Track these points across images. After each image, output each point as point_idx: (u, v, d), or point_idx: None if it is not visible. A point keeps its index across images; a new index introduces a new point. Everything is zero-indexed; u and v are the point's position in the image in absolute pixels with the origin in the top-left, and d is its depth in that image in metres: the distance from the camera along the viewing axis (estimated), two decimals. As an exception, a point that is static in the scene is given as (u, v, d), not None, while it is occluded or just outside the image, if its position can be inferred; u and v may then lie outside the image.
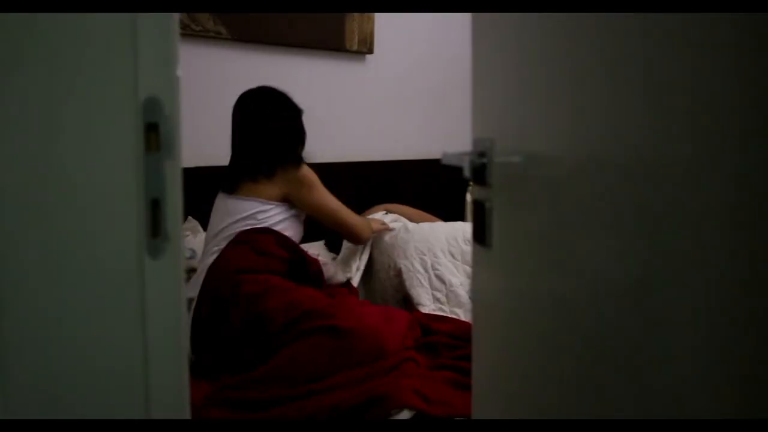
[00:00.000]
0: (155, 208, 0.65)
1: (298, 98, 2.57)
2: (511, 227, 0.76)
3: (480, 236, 0.80)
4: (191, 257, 2.09)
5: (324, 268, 2.07)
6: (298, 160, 2.00)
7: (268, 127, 2.00)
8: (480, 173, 0.78)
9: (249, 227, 1.90)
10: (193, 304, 1.80)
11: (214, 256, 1.86)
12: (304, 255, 1.97)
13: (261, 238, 1.88)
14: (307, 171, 2.00)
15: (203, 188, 2.27)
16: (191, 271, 2.03)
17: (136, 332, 0.66)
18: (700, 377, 0.48)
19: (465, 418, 1.40)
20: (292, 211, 2.01)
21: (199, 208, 2.27)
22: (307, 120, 2.62)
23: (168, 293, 0.68)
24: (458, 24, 2.84)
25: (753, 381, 0.44)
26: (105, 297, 0.65)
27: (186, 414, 0.71)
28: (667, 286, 0.51)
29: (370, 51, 2.69)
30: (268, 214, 1.93)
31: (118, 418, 0.66)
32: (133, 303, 0.66)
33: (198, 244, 2.14)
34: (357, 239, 2.17)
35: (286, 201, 1.98)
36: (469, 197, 2.56)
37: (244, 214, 1.92)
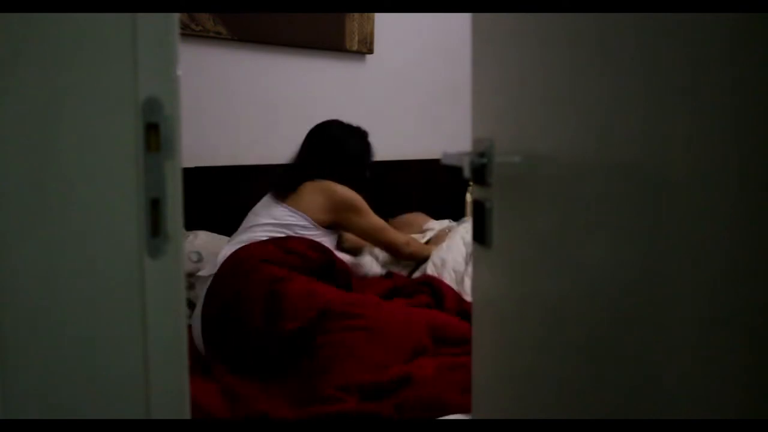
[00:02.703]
0: (155, 208, 0.65)
1: (299, 98, 2.58)
2: (511, 227, 0.76)
3: (480, 236, 0.80)
4: (198, 260, 2.08)
5: (358, 268, 2.11)
6: (349, 180, 2.08)
7: (345, 148, 2.12)
8: (480, 173, 0.78)
9: (284, 235, 1.90)
10: (203, 293, 1.78)
11: (237, 246, 1.85)
12: (334, 259, 1.94)
13: (292, 240, 1.89)
14: (354, 195, 2.05)
15: (203, 188, 2.27)
16: (191, 276, 2.01)
17: (136, 332, 0.66)
18: (700, 377, 0.48)
19: (465, 418, 1.39)
20: (332, 234, 2.05)
21: (199, 208, 2.27)
22: (307, 120, 2.62)
23: (168, 293, 0.68)
24: (458, 24, 2.84)
25: (753, 381, 0.44)
26: (105, 297, 0.65)
27: (186, 414, 0.71)
28: (667, 285, 0.51)
29: (370, 51, 2.69)
30: (308, 232, 1.95)
31: (118, 418, 0.66)
32: (133, 303, 0.66)
33: (202, 245, 2.13)
34: (399, 255, 2.22)
35: (333, 227, 2.03)
36: (469, 197, 2.57)
37: (284, 222, 1.93)
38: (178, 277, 0.68)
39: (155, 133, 0.65)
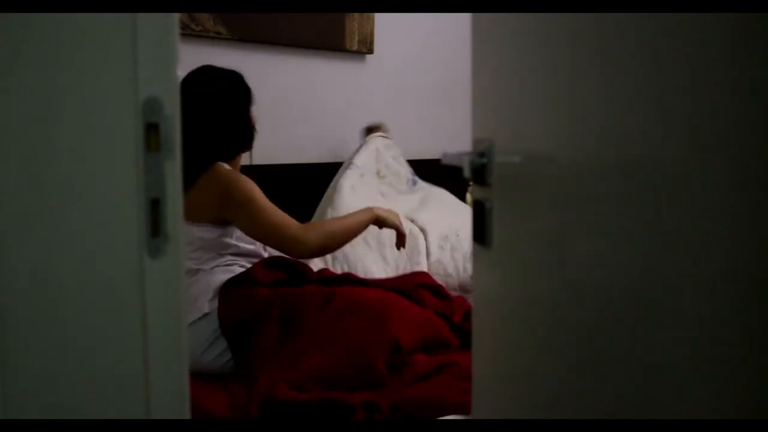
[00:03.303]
0: (155, 208, 0.65)
1: (299, 98, 2.58)
2: (511, 227, 0.76)
3: (480, 236, 0.80)
4: None
5: None
6: (224, 158, 1.70)
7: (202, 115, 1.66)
8: (480, 173, 0.78)
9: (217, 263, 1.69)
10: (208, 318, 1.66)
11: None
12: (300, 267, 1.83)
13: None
14: (242, 185, 1.65)
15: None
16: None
17: (136, 332, 0.66)
18: (700, 377, 0.48)
19: (465, 418, 1.40)
20: (231, 229, 1.71)
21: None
22: (307, 120, 2.62)
23: (168, 293, 0.68)
24: (458, 24, 2.84)
25: (753, 381, 0.44)
26: (105, 297, 0.65)
27: (186, 414, 0.71)
28: (667, 285, 0.51)
29: (370, 51, 2.69)
30: (223, 239, 1.68)
31: (118, 418, 0.67)
32: (133, 303, 0.66)
33: None
34: (299, 254, 1.72)
35: (224, 224, 1.69)
36: (469, 197, 2.56)
37: (200, 246, 1.68)
38: (178, 277, 0.68)
39: (155, 133, 0.65)
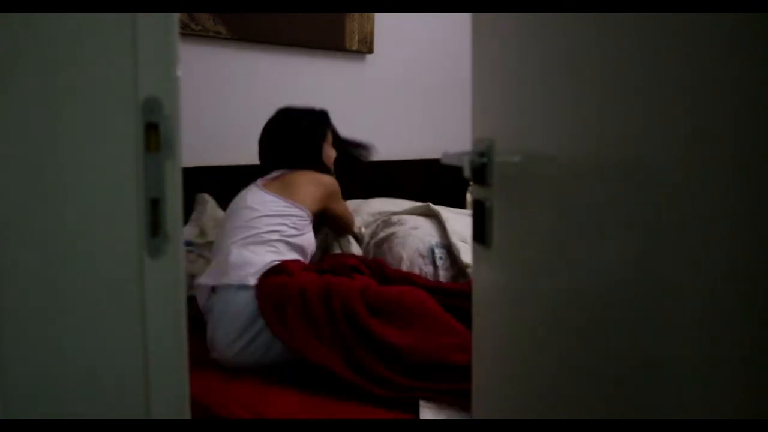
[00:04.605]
0: (155, 208, 0.65)
1: (298, 98, 2.57)
2: (511, 227, 0.76)
3: (480, 236, 0.80)
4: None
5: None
6: (328, 169, 2.17)
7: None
8: (480, 173, 0.78)
9: (278, 236, 1.91)
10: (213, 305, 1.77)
11: (242, 250, 1.84)
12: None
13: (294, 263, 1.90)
14: (336, 183, 2.14)
15: (203, 188, 2.27)
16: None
17: (136, 332, 0.66)
18: (700, 377, 0.48)
19: (465, 418, 1.40)
20: (310, 221, 2.08)
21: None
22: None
23: (168, 293, 0.68)
24: (458, 24, 2.84)
25: (753, 381, 0.44)
26: (105, 297, 0.65)
27: (186, 414, 0.71)
28: (666, 285, 0.51)
29: (370, 51, 2.69)
30: (303, 222, 1.99)
31: (118, 418, 0.67)
32: (133, 303, 0.66)
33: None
34: (350, 231, 2.30)
35: (316, 213, 2.07)
36: (469, 197, 2.57)
37: (283, 213, 1.95)
38: (178, 277, 0.68)
39: (155, 133, 0.65)
